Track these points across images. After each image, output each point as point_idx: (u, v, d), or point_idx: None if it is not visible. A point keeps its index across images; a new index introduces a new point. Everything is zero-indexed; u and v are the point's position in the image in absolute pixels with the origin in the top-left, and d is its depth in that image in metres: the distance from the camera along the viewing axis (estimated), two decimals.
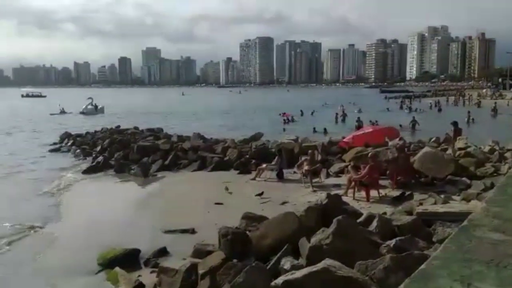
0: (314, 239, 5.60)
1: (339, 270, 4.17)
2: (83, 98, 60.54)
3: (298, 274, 4.26)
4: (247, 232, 7.38)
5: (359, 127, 25.54)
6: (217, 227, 7.94)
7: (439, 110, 49.67)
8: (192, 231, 9.38)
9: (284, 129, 31.83)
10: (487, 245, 2.34)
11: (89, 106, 55.18)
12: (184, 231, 9.43)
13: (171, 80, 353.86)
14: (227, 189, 13.12)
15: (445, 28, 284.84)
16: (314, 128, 31.31)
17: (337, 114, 41.23)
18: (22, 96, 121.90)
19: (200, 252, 7.58)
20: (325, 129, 30.61)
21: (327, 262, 4.34)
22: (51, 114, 52.72)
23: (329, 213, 7.08)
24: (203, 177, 15.34)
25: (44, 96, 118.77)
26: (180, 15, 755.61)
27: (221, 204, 11.34)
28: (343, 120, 39.62)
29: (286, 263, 5.35)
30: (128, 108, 64.76)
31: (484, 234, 2.48)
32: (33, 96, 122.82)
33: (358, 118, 32.90)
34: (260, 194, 11.98)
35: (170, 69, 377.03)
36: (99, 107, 56.06)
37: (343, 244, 5.34)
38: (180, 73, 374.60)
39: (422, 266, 2.18)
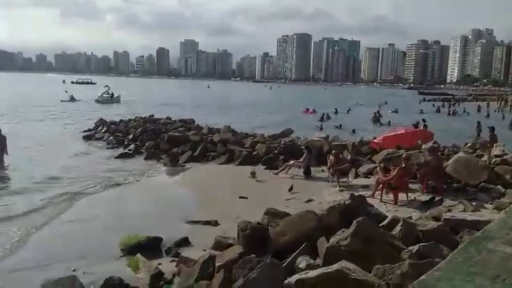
0: (332, 240, 5.50)
1: (353, 273, 4.06)
2: (127, 87, 60.80)
3: (312, 274, 4.18)
4: (268, 227, 7.33)
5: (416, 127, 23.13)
6: (239, 221, 7.95)
7: (487, 115, 46.13)
8: (215, 223, 9.40)
9: (321, 127, 31.59)
10: (497, 259, 2.19)
11: (105, 95, 54.27)
12: (207, 222, 9.46)
13: (207, 72, 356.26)
14: (253, 175, 13.58)
15: (490, 31, 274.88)
16: (340, 125, 32.79)
17: (375, 113, 41.37)
18: (72, 82, 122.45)
19: (220, 245, 7.61)
20: (353, 130, 30.22)
21: (342, 263, 4.25)
22: (62, 101, 51.93)
23: (352, 214, 6.94)
24: (230, 170, 15.38)
25: (94, 83, 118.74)
26: (219, 8, 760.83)
27: (246, 198, 11.34)
28: (378, 121, 39.04)
29: (302, 262, 5.27)
30: (149, 98, 64.67)
31: (496, 247, 2.32)
32: (83, 83, 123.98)
33: (424, 119, 27.62)
34: (290, 189, 11.93)
35: (207, 62, 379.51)
36: (115, 96, 55.05)
37: (361, 247, 5.21)
38: (216, 66, 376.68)
39: (423, 277, 2.07)
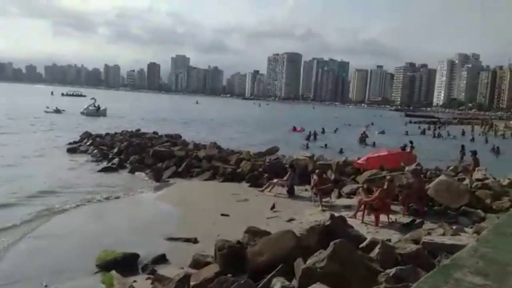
0: (309, 261, 5.45)
1: None
2: (116, 100, 59.90)
3: None
4: (247, 246, 7.25)
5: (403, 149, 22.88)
6: (219, 239, 7.86)
7: (472, 139, 46.56)
8: (195, 241, 9.29)
9: (307, 146, 31.79)
10: None
11: (91, 107, 53.56)
12: (186, 240, 9.36)
13: (197, 88, 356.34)
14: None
15: (476, 56, 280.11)
16: (326, 145, 32.96)
17: (362, 134, 41.68)
18: (62, 94, 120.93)
19: (198, 263, 7.51)
20: (341, 149, 30.29)
21: (316, 286, 4.20)
22: (46, 112, 51.36)
23: (331, 235, 6.91)
24: (213, 187, 15.29)
25: (84, 96, 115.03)
26: (212, 25, 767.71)
27: (227, 215, 11.25)
28: (364, 141, 39.30)
29: (277, 283, 5.21)
30: (137, 112, 63.76)
31: (465, 276, 2.28)
32: (73, 95, 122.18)
33: (411, 141, 27.43)
34: (273, 208, 11.89)
35: (197, 78, 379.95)
36: (101, 109, 54.23)
37: (338, 269, 5.17)
38: (207, 82, 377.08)
39: None
